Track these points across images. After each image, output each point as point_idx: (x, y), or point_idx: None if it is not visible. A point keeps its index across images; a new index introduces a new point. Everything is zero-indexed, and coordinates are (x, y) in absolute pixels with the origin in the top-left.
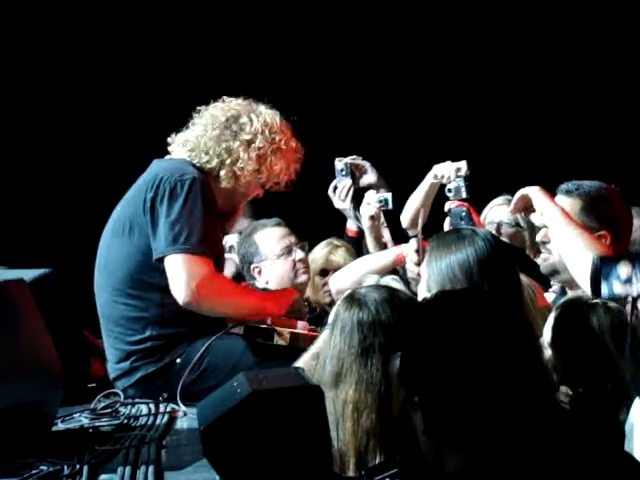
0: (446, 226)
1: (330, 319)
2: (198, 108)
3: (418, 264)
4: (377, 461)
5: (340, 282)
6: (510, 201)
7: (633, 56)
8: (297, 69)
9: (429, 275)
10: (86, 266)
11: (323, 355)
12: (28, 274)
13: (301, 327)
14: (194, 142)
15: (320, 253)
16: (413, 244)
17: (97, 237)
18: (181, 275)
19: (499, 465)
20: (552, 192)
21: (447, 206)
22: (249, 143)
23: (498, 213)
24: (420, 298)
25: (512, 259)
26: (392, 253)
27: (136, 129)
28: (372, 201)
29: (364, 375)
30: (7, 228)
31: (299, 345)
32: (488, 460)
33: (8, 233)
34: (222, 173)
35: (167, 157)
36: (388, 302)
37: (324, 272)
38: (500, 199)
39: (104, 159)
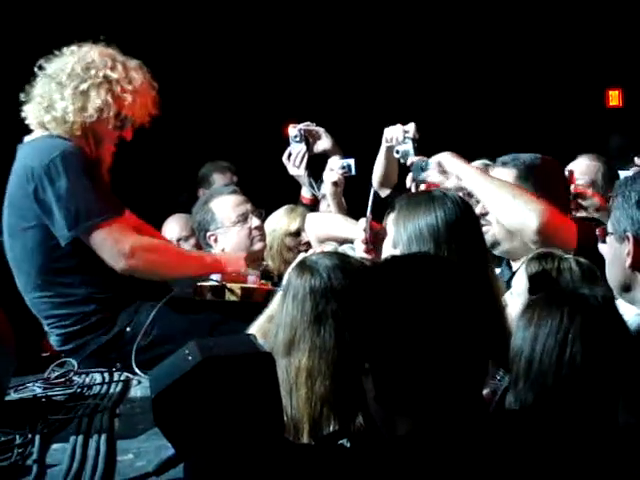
0: (408, 180)
1: (283, 285)
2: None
3: (365, 243)
4: (331, 428)
5: (314, 229)
6: (487, 166)
7: None
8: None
9: (396, 233)
10: None
11: (276, 323)
12: None
13: (252, 281)
14: (32, 104)
15: (290, 216)
16: (362, 223)
17: None
18: (108, 247)
19: (447, 430)
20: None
21: (409, 161)
22: (61, 83)
23: None
24: (384, 256)
25: (479, 224)
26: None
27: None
28: (335, 167)
29: (317, 342)
30: None
31: (251, 300)
32: (436, 425)
33: None
34: (47, 120)
35: (27, 138)
36: (340, 268)
37: (298, 233)
38: (477, 163)
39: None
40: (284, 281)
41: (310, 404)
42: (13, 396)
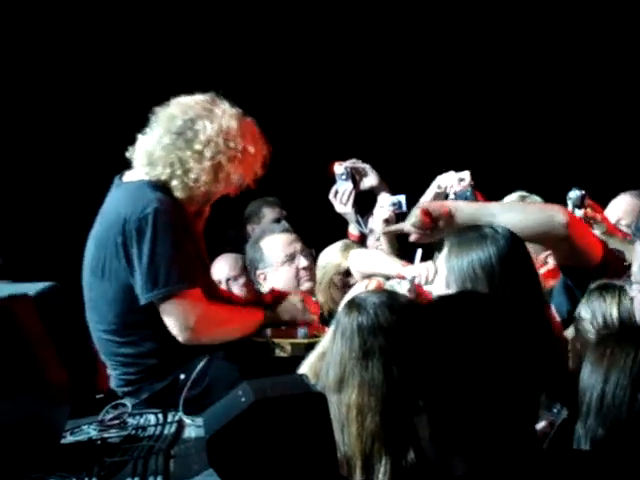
0: None
1: (332, 323)
2: (154, 109)
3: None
4: (383, 464)
5: (358, 265)
6: (524, 198)
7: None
8: (297, 73)
9: (449, 272)
10: None
11: (326, 361)
12: (32, 288)
13: (303, 334)
14: (147, 154)
15: (343, 254)
16: (405, 285)
17: None
18: (174, 318)
19: (504, 469)
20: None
21: (451, 194)
22: (201, 153)
23: None
24: (435, 294)
25: (531, 259)
26: (396, 269)
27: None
28: (385, 204)
29: (366, 378)
30: (10, 241)
31: (301, 355)
32: (493, 464)
33: (11, 246)
34: (174, 184)
35: (126, 176)
36: (387, 305)
37: (348, 273)
38: (514, 196)
39: (106, 170)
40: (334, 319)
41: (361, 440)
42: (69, 439)
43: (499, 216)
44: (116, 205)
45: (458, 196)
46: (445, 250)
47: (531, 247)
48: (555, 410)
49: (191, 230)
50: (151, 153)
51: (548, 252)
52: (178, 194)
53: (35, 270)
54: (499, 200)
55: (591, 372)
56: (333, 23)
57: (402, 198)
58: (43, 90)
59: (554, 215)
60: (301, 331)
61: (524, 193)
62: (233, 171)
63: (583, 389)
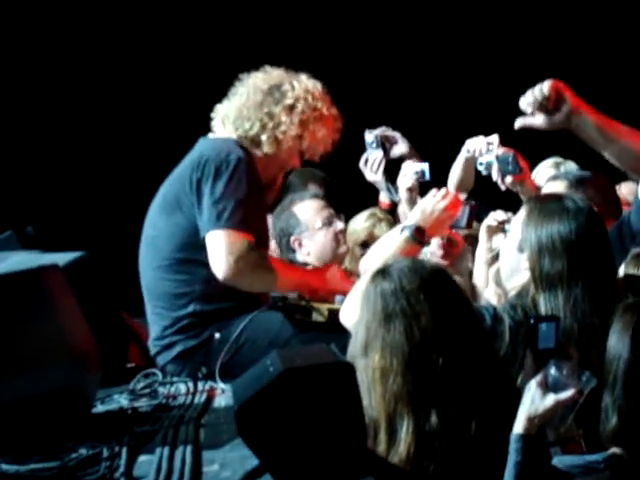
0: (494, 173)
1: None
2: (240, 76)
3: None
4: (405, 425)
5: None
6: (558, 164)
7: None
8: (326, 41)
9: (524, 237)
10: (120, 248)
11: (354, 328)
12: (62, 258)
13: (340, 300)
14: (236, 112)
15: (363, 225)
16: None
17: (131, 219)
18: (220, 251)
19: None
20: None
21: (494, 153)
22: (291, 108)
23: (546, 176)
24: (504, 252)
25: (608, 238)
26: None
27: (175, 106)
28: (409, 172)
29: (388, 340)
30: (40, 211)
31: (337, 320)
32: None
33: (41, 216)
34: (264, 138)
35: (211, 135)
36: (411, 269)
37: (365, 244)
38: (548, 162)
39: (139, 138)
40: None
41: (385, 401)
42: (100, 408)
43: (623, 139)
44: (200, 150)
45: (500, 160)
46: (523, 214)
47: None
48: (584, 378)
49: (262, 196)
50: (240, 110)
51: None
52: (266, 149)
53: (66, 240)
54: (532, 168)
55: (617, 341)
56: None
57: (425, 166)
58: (87, 61)
59: None
60: (339, 298)
61: (559, 159)
62: (317, 130)
63: (609, 358)
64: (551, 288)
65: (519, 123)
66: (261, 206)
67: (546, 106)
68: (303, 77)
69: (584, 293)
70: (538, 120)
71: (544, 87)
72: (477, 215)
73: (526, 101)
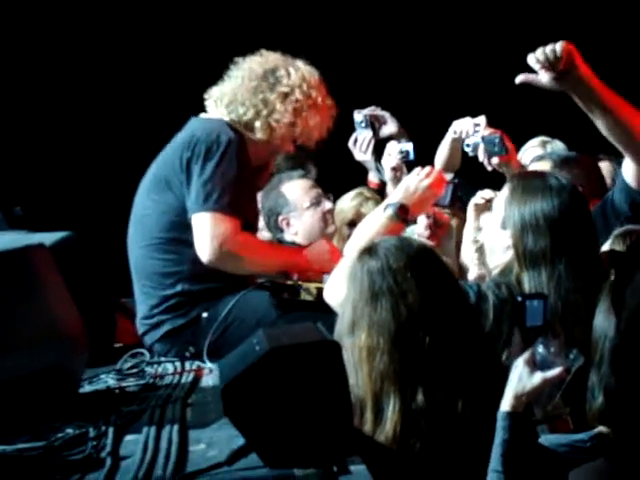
0: (480, 154)
1: None
2: (235, 60)
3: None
4: (392, 404)
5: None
6: (546, 143)
7: None
8: (315, 21)
9: (507, 214)
10: (108, 228)
11: (341, 307)
12: (49, 238)
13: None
14: (230, 95)
15: (350, 204)
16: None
17: (119, 198)
18: (205, 234)
19: None
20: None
21: (481, 134)
22: (286, 95)
23: (533, 154)
24: (487, 230)
25: (591, 214)
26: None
27: (164, 85)
28: (393, 152)
29: (374, 319)
30: (27, 191)
31: None
32: None
33: (28, 196)
34: (257, 124)
35: (203, 115)
36: (397, 247)
37: (353, 223)
38: (535, 140)
39: (127, 117)
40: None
41: (371, 380)
42: (87, 388)
43: (618, 110)
44: (192, 130)
45: (487, 141)
46: (506, 192)
47: None
48: (572, 356)
49: (252, 178)
50: (235, 94)
51: None
52: (259, 135)
53: (54, 220)
54: (518, 149)
55: (604, 319)
56: None
57: (410, 147)
58: (74, 40)
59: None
60: (327, 277)
61: (546, 138)
62: (311, 118)
63: (596, 336)
64: (535, 266)
65: (521, 78)
66: (251, 188)
67: (554, 67)
68: (300, 63)
69: (568, 270)
70: (543, 79)
71: (557, 48)
72: (462, 195)
73: (535, 57)
